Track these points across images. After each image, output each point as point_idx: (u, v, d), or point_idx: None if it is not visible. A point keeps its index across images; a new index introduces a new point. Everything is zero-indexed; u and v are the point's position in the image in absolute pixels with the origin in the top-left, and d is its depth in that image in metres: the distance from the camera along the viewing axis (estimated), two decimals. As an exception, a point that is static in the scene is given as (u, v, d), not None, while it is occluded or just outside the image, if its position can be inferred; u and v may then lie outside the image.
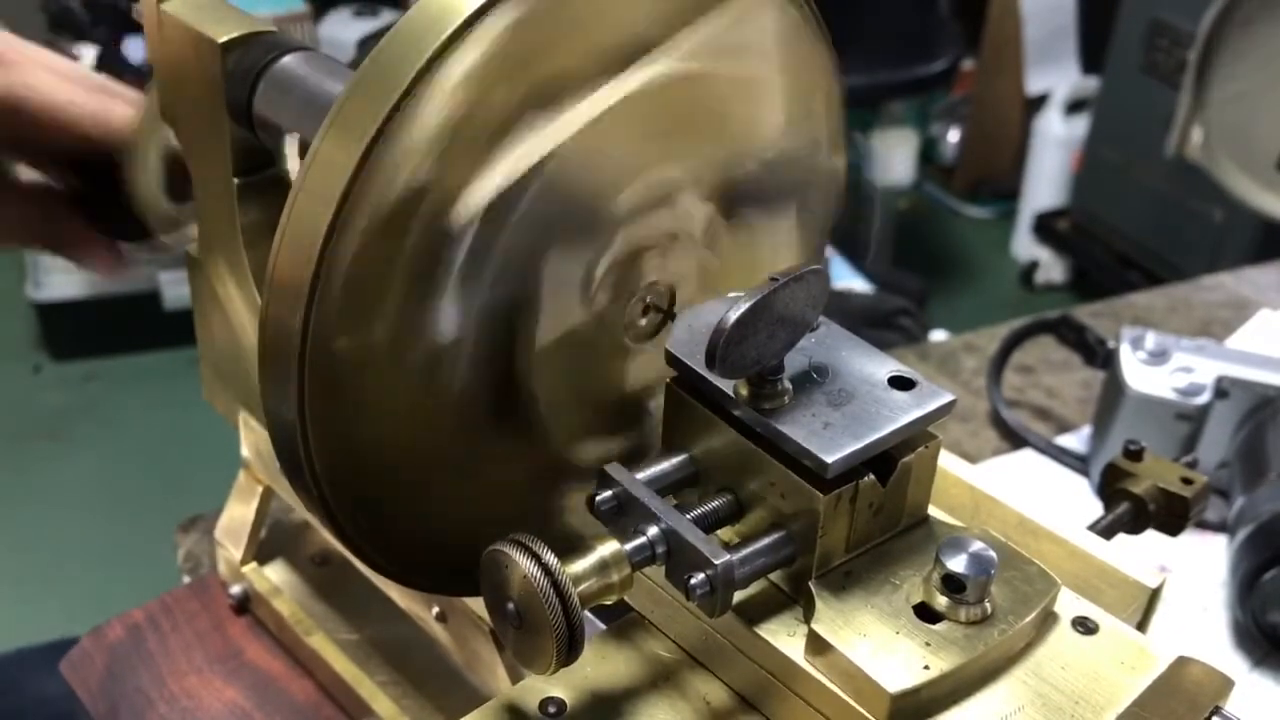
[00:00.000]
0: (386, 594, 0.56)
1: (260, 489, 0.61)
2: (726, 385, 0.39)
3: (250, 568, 0.63)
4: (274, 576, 0.63)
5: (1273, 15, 1.35)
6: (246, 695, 0.60)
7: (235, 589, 0.64)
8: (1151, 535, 0.54)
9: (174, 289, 2.08)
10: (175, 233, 0.57)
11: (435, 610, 0.53)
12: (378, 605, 0.59)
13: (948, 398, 0.40)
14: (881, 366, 0.40)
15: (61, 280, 2.11)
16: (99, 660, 0.63)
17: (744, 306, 0.36)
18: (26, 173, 0.59)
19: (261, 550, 0.64)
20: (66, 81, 0.55)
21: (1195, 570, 0.73)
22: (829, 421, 0.38)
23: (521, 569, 0.35)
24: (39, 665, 0.68)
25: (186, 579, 0.70)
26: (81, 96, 0.55)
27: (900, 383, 0.40)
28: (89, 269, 0.62)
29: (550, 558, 0.35)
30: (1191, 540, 0.75)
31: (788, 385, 0.39)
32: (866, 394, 0.39)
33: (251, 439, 0.59)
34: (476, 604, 0.50)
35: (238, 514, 0.63)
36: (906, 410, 0.39)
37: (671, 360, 0.40)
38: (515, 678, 0.49)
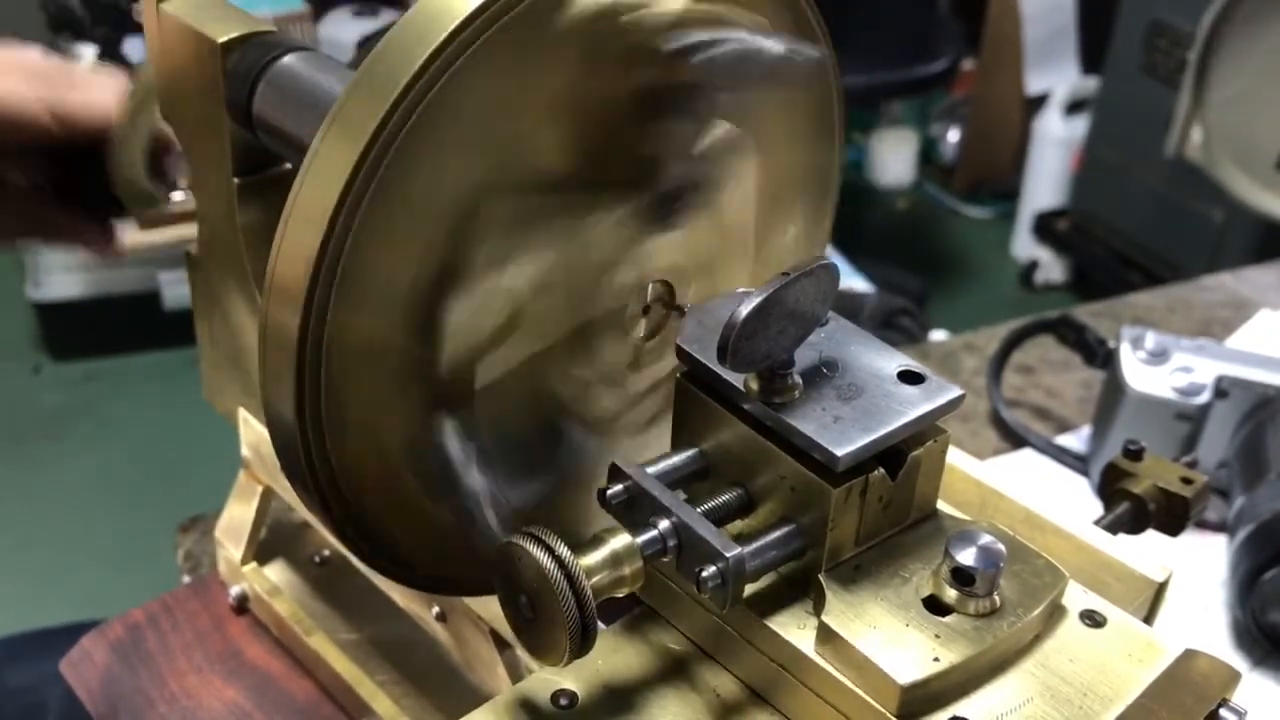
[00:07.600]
0: (386, 594, 0.56)
1: (260, 489, 0.61)
2: (737, 380, 0.39)
3: (250, 568, 0.63)
4: (274, 576, 0.63)
5: (1273, 15, 1.35)
6: (246, 695, 0.60)
7: (235, 589, 0.64)
8: (1152, 535, 0.53)
9: (174, 289, 2.08)
10: (154, 209, 0.56)
11: (435, 610, 0.52)
12: (378, 605, 0.59)
13: (956, 392, 0.40)
14: (891, 361, 0.40)
15: (61, 280, 2.11)
16: (99, 660, 0.63)
17: (755, 301, 0.36)
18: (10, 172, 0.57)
19: (261, 550, 0.64)
20: (7, 76, 0.52)
21: (1195, 570, 0.73)
22: (839, 415, 0.38)
23: (535, 561, 0.35)
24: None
25: (186, 579, 0.70)
26: (23, 88, 0.52)
27: (909, 377, 0.40)
28: (86, 253, 0.61)
29: (563, 550, 0.35)
30: (1191, 540, 0.74)
31: (798, 380, 0.39)
32: (876, 388, 0.39)
33: (251, 439, 0.59)
34: (476, 604, 0.49)
35: (238, 514, 0.63)
36: (916, 404, 0.39)
37: (682, 355, 0.40)
38: (515, 677, 0.49)
